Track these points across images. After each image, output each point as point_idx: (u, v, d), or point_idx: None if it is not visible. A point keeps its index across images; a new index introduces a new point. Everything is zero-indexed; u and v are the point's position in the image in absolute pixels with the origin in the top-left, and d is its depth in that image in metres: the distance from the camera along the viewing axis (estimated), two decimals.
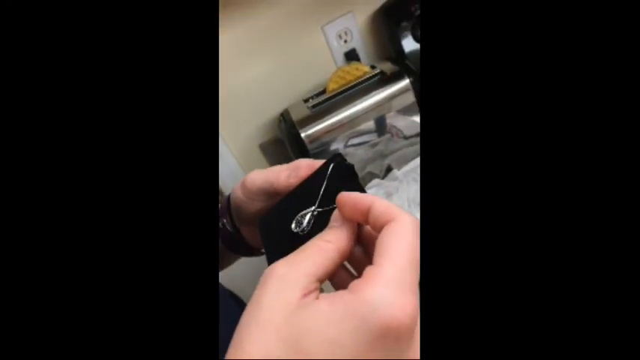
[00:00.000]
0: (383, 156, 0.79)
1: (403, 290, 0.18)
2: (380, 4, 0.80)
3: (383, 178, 0.77)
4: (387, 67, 0.74)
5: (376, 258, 0.20)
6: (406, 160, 0.78)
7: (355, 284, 0.19)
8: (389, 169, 0.77)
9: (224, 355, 0.29)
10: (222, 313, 0.34)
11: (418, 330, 0.19)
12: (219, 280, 0.37)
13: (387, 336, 0.17)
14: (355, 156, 0.76)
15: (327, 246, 0.22)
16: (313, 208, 0.26)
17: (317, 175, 0.28)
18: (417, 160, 0.77)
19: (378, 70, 0.73)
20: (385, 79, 0.72)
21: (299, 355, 0.17)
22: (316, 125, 0.70)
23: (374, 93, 0.71)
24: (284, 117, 0.74)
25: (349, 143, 0.76)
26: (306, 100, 0.76)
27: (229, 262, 0.43)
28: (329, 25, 0.82)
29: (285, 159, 0.87)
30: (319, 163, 0.29)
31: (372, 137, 0.77)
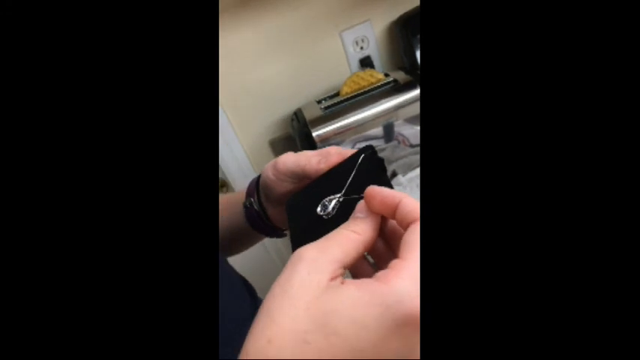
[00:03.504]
0: (389, 162, 0.81)
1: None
2: (398, 15, 0.82)
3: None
4: (400, 76, 0.76)
5: (403, 253, 0.21)
6: (411, 167, 0.80)
7: (383, 274, 0.20)
8: (394, 175, 0.80)
9: (236, 335, 0.30)
10: (236, 298, 0.36)
11: None
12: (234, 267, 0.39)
13: (408, 325, 0.19)
14: None
15: (354, 236, 0.23)
16: (340, 195, 0.28)
17: (346, 164, 0.29)
18: None
19: (392, 79, 0.76)
20: (397, 88, 0.74)
21: (325, 332, 0.19)
22: (327, 126, 0.72)
23: (385, 100, 0.74)
24: (297, 116, 0.77)
25: (357, 146, 0.79)
26: (319, 102, 0.78)
27: (252, 243, 0.44)
28: (347, 32, 0.84)
29: None
30: (349, 152, 0.30)
31: (380, 142, 0.79)
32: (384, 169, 0.28)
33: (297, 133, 0.74)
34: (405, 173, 0.79)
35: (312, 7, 0.81)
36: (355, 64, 0.88)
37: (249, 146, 0.90)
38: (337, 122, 0.72)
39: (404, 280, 0.20)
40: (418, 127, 0.79)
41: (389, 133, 0.79)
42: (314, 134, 0.71)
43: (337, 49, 0.86)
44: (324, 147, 0.73)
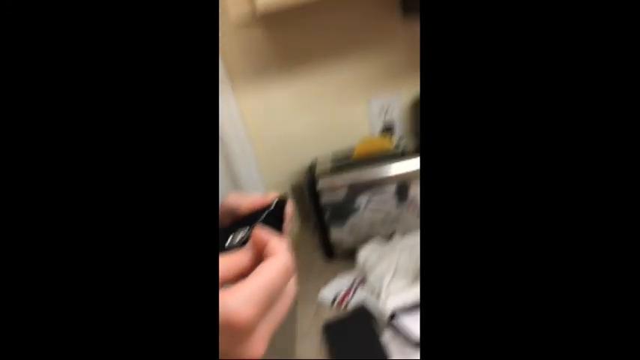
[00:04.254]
0: (393, 222, 0.85)
1: (249, 303, 0.25)
2: None
3: (386, 241, 0.83)
4: (411, 147, 0.83)
5: (247, 278, 0.27)
6: (411, 232, 0.84)
7: (227, 288, 0.26)
8: (393, 234, 0.84)
9: None
10: None
11: (256, 336, 0.26)
12: None
13: (225, 328, 0.25)
14: (369, 214, 0.84)
15: (230, 261, 0.30)
16: (246, 230, 0.35)
17: (264, 208, 0.37)
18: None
19: (400, 150, 0.82)
20: (404, 157, 0.80)
21: None
22: (334, 180, 0.80)
23: (393, 166, 0.80)
24: (310, 167, 0.86)
25: (368, 203, 0.84)
26: (334, 157, 0.87)
27: None
28: (375, 100, 0.94)
29: (303, 205, 0.98)
30: (273, 198, 0.38)
31: (391, 204, 0.84)
32: (281, 217, 0.35)
33: (307, 182, 0.82)
34: (403, 236, 0.83)
35: (347, 74, 0.92)
36: (378, 129, 0.96)
37: (270, 188, 1.00)
38: (341, 177, 0.80)
39: (233, 296, 0.26)
40: None
41: (402, 196, 0.84)
42: (319, 185, 0.79)
43: (364, 114, 0.95)
44: (329, 199, 0.80)
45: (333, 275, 0.81)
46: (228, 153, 0.95)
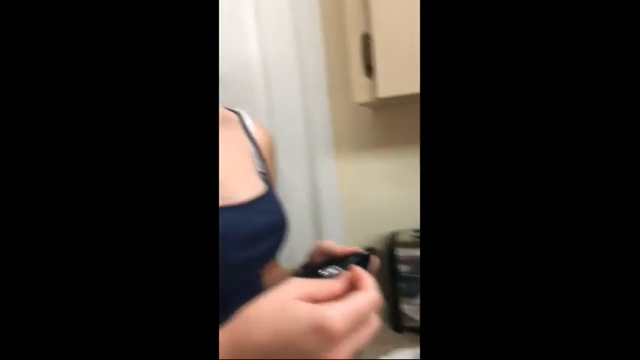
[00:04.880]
0: None
1: (344, 316, 0.31)
2: None
3: None
4: None
5: (345, 299, 0.34)
6: None
7: (320, 305, 0.33)
8: None
9: None
10: None
11: (342, 348, 0.31)
12: None
13: (320, 332, 0.31)
14: None
15: (324, 283, 0.36)
16: (338, 267, 0.44)
17: (355, 254, 0.47)
18: None
19: None
20: None
21: (257, 319, 0.33)
22: (413, 252, 0.84)
23: None
24: (391, 236, 0.91)
25: None
26: (415, 231, 0.91)
27: None
28: None
29: (379, 274, 1.00)
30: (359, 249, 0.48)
31: None
32: (367, 264, 0.44)
33: (386, 249, 0.87)
34: None
35: None
36: None
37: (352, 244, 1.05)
38: (415, 251, 0.83)
39: (332, 308, 0.32)
40: None
41: None
42: (397, 253, 0.83)
43: None
44: (404, 270, 0.84)
45: (396, 347, 0.81)
46: (318, 212, 1.05)
